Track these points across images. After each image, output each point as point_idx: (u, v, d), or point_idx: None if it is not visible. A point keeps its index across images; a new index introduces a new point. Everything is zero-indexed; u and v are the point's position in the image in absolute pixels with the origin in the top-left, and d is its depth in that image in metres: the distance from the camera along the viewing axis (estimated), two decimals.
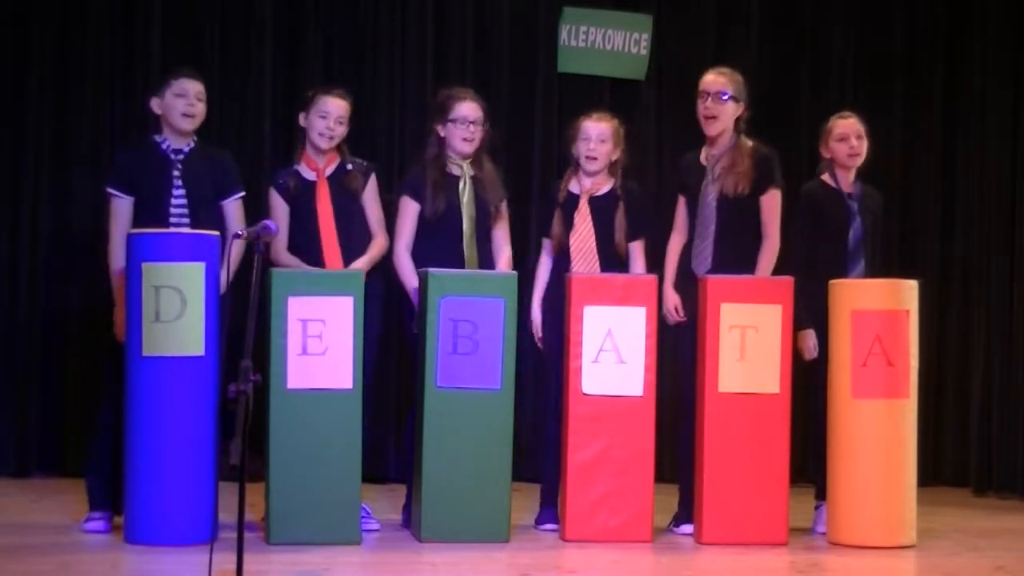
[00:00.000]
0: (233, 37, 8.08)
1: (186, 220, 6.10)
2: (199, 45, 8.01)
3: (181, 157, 6.17)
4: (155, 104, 6.19)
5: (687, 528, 6.35)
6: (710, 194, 6.42)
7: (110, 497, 6.09)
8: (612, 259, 6.47)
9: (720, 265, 6.36)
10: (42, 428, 7.85)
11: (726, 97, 6.40)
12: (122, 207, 6.13)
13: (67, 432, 7.76)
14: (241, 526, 4.44)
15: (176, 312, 5.78)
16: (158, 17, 7.95)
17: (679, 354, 6.47)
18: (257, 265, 4.69)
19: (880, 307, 6.22)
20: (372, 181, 6.46)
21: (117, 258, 6.05)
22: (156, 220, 6.07)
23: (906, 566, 5.96)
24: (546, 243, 6.62)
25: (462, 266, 6.31)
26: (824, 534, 6.36)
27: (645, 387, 6.18)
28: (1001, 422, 8.02)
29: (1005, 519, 7.24)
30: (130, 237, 5.89)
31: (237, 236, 5.26)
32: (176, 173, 6.14)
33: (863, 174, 6.72)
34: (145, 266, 5.79)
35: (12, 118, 7.86)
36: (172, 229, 6.04)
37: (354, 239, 6.36)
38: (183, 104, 6.14)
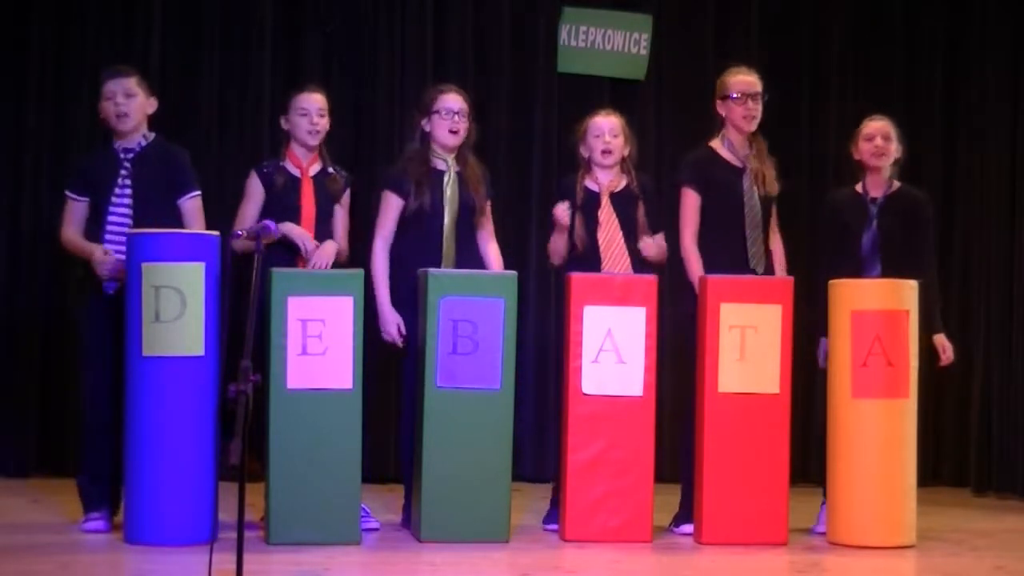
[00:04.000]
0: (233, 37, 8.07)
1: (128, 220, 6.10)
2: (199, 45, 8.01)
3: (131, 156, 6.15)
4: (100, 110, 6.21)
5: (687, 528, 6.35)
6: (752, 191, 6.42)
7: (105, 495, 6.09)
8: (636, 255, 6.42)
9: (766, 262, 6.42)
10: (42, 428, 7.85)
11: (760, 94, 6.44)
12: (76, 209, 6.17)
13: (67, 432, 7.75)
14: (241, 526, 4.44)
15: (176, 312, 5.78)
16: (158, 17, 7.95)
17: (688, 354, 6.42)
18: (257, 265, 4.69)
19: (880, 307, 6.22)
20: (348, 192, 6.47)
21: (79, 243, 6.08)
22: (97, 218, 6.10)
23: (906, 566, 5.96)
24: None
25: (439, 262, 6.30)
26: (824, 534, 6.37)
27: (645, 387, 6.18)
28: (1001, 422, 8.02)
29: (1005, 519, 7.24)
30: (130, 237, 5.90)
31: (237, 236, 5.28)
32: (124, 172, 6.13)
33: (905, 177, 6.70)
34: (145, 266, 5.79)
35: (12, 118, 7.86)
36: (112, 229, 6.05)
37: (326, 240, 6.36)
38: (111, 106, 6.13)
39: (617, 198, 6.46)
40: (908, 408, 6.24)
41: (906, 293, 6.26)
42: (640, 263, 6.41)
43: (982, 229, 8.23)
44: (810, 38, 8.55)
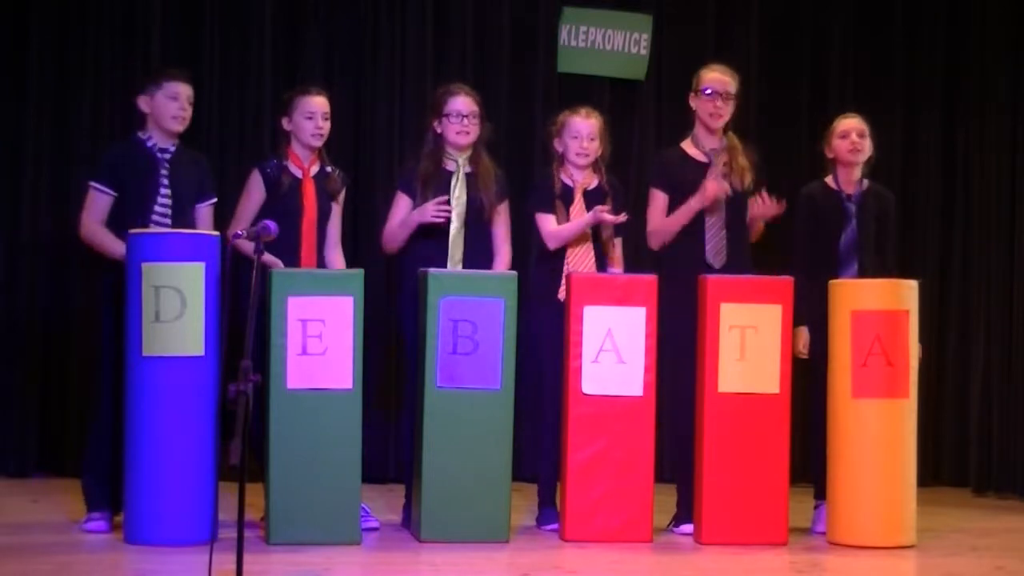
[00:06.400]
0: (233, 37, 8.07)
1: (168, 220, 6.11)
2: (199, 45, 8.01)
3: (168, 156, 6.17)
4: (143, 102, 6.19)
5: (687, 528, 6.35)
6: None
7: (108, 496, 6.09)
8: (600, 254, 6.48)
9: (733, 258, 6.42)
10: (42, 428, 7.85)
11: (732, 95, 6.47)
12: (102, 201, 6.15)
13: (67, 432, 7.75)
14: (241, 526, 4.44)
15: (176, 312, 5.78)
16: (158, 17, 7.95)
17: (679, 353, 6.42)
18: (257, 265, 4.70)
19: (880, 307, 6.22)
20: (344, 192, 6.50)
21: (117, 244, 6.04)
22: (140, 218, 6.08)
23: (906, 566, 5.96)
24: None
25: (445, 264, 6.31)
26: (824, 534, 6.37)
27: (645, 387, 6.18)
28: (1001, 422, 8.02)
29: (1005, 519, 7.24)
30: (130, 237, 5.90)
31: (237, 236, 5.27)
32: (164, 172, 6.15)
33: (872, 175, 6.71)
34: (145, 266, 5.79)
35: (12, 118, 7.85)
36: (153, 228, 6.04)
37: (326, 238, 6.42)
38: (175, 107, 6.15)
39: (589, 196, 6.51)
40: (908, 408, 6.24)
41: (906, 293, 6.27)
42: (602, 263, 6.46)
43: (982, 229, 8.22)
44: (810, 38, 8.54)
